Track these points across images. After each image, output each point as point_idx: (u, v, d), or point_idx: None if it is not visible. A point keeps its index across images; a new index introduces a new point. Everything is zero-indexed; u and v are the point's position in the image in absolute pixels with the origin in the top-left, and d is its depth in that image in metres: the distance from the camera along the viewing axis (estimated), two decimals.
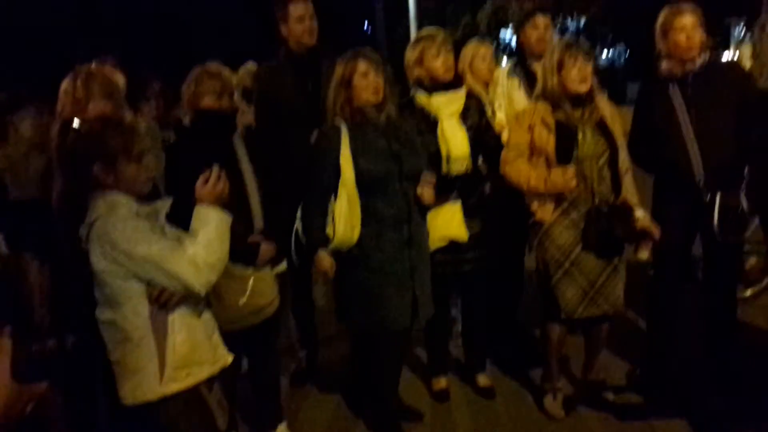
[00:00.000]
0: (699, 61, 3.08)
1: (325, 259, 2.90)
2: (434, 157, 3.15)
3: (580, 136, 2.98)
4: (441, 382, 3.53)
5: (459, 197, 3.18)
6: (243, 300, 2.70)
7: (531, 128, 3.04)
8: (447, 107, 3.20)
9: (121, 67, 3.31)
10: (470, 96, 3.33)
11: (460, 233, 3.17)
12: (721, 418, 3.03)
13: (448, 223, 3.14)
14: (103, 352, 2.14)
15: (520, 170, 3.03)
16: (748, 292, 4.30)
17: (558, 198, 3.01)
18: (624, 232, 2.95)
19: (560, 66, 2.98)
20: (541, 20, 3.70)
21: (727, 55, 12.30)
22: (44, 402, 1.34)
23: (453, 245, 3.18)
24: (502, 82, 3.78)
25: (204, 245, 2.05)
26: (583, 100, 3.02)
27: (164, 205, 2.24)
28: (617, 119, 3.09)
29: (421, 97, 3.23)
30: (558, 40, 3.16)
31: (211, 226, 2.09)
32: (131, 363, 2.08)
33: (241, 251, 2.61)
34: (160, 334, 2.08)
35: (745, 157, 3.11)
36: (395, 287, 2.88)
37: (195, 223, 2.10)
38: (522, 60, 3.80)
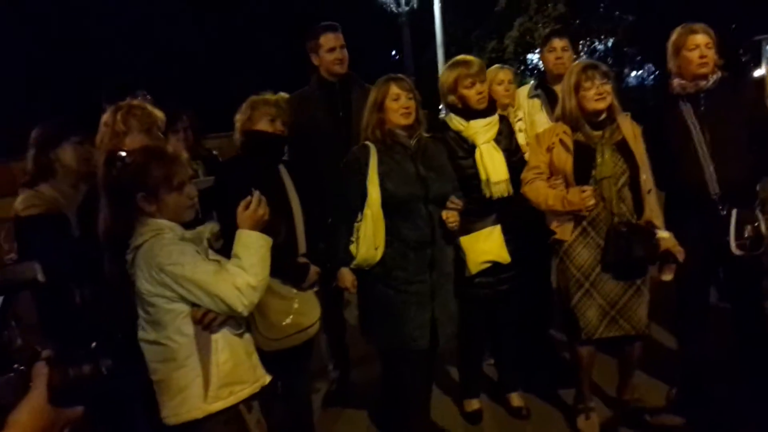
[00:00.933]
0: (711, 79, 3.10)
1: (346, 276, 2.97)
2: (471, 180, 3.19)
3: (598, 156, 3.00)
4: (473, 404, 3.53)
5: (498, 220, 3.22)
6: (288, 320, 2.77)
7: (550, 149, 3.07)
8: (485, 133, 3.23)
9: (152, 99, 3.42)
10: (501, 120, 3.37)
11: (502, 255, 3.18)
12: None
13: (490, 246, 3.17)
14: (142, 374, 2.21)
15: (538, 190, 3.06)
16: None
17: (577, 218, 3.03)
18: (644, 252, 2.94)
19: (577, 87, 3.02)
20: (557, 43, 3.78)
21: (758, 73, 12.19)
22: (79, 426, 1.39)
23: (492, 267, 3.20)
24: (523, 104, 3.83)
25: (246, 268, 2.13)
26: (603, 122, 3.05)
27: (207, 229, 2.32)
28: (640, 140, 3.10)
29: (457, 123, 3.27)
30: (576, 62, 3.20)
31: (252, 249, 2.17)
32: (176, 382, 2.14)
33: (290, 272, 2.74)
34: (204, 353, 2.15)
35: (758, 174, 3.12)
36: (416, 306, 2.92)
37: (237, 246, 2.19)
38: (543, 82, 3.85)
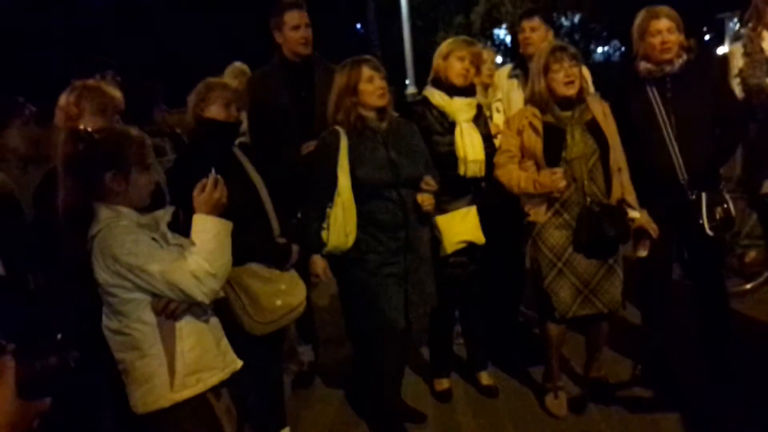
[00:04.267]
0: (677, 63, 3.11)
1: (318, 263, 2.95)
2: (446, 158, 3.19)
3: (568, 137, 3.01)
4: (443, 383, 3.56)
5: (474, 201, 3.24)
6: (279, 302, 2.76)
7: (520, 132, 3.08)
8: (466, 112, 3.25)
9: (120, 78, 3.33)
10: (477, 107, 3.37)
11: (477, 236, 3.22)
12: (722, 409, 3.06)
13: (466, 226, 3.19)
14: (109, 364, 2.15)
15: (510, 173, 3.08)
16: (748, 286, 4.33)
17: (549, 199, 3.04)
18: (616, 232, 2.97)
19: (546, 70, 3.02)
20: (525, 23, 3.81)
21: (721, 50, 12.37)
22: (46, 418, 1.37)
23: (467, 247, 3.22)
24: (501, 84, 3.83)
25: (204, 255, 2.06)
26: (572, 102, 3.05)
27: (165, 213, 2.25)
28: (610, 118, 3.11)
29: (439, 98, 3.27)
30: (545, 44, 3.18)
31: (210, 235, 2.09)
32: (141, 371, 2.09)
33: (273, 254, 2.75)
34: (169, 341, 2.09)
35: (722, 155, 3.19)
36: (392, 288, 2.93)
37: (194, 232, 2.11)
38: (522, 61, 3.85)
